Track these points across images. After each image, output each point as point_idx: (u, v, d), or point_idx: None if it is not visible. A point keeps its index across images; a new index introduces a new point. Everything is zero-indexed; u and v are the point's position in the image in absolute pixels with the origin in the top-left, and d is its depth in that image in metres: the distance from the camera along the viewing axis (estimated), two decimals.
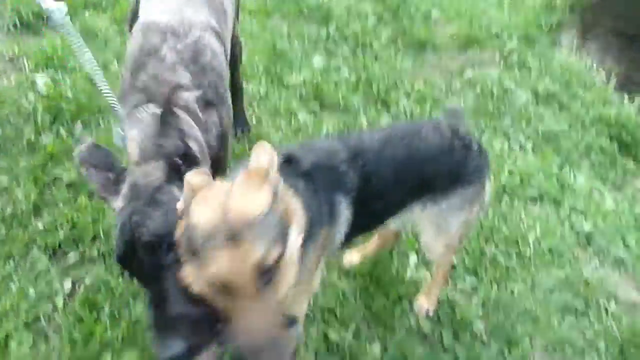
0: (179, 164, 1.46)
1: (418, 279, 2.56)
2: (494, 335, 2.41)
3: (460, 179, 1.88)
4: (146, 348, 1.97)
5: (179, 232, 1.24)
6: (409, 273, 2.57)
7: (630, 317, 2.66)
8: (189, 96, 1.65)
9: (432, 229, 2.00)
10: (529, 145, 3.77)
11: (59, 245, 2.28)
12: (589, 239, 3.11)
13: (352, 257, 2.50)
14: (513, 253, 2.84)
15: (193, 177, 1.24)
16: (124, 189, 1.44)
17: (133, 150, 1.49)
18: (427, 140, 1.81)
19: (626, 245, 3.21)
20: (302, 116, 3.27)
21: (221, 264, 1.15)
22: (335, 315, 2.28)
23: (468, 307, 2.49)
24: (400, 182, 1.71)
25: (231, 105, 1.95)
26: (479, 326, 2.42)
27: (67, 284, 2.15)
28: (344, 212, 1.62)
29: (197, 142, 1.60)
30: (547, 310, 2.58)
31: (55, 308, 2.07)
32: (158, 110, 1.53)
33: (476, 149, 1.94)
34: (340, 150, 1.65)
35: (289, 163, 1.49)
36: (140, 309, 2.09)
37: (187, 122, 1.60)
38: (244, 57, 3.64)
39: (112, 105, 1.62)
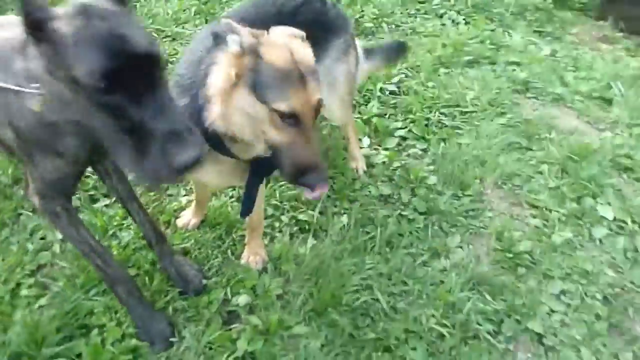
0: None
1: (369, 155, 2.80)
2: (446, 184, 2.67)
3: (328, 30, 2.17)
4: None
5: (243, 68, 1.52)
6: (363, 152, 2.82)
7: (569, 140, 2.92)
8: None
9: (324, 88, 2.25)
10: (461, 19, 3.94)
11: None
12: (526, 84, 3.35)
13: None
14: (456, 113, 3.08)
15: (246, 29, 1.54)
16: None
17: None
18: None
19: (564, 84, 3.44)
20: None
21: (298, 98, 1.49)
22: (301, 202, 2.54)
23: (420, 166, 2.74)
24: None
25: None
26: (433, 179, 2.68)
27: (59, 234, 2.39)
28: None
29: None
30: (493, 152, 2.83)
31: (54, 255, 2.33)
32: None
33: (329, 2, 2.25)
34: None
35: None
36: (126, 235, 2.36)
37: None
38: (174, 4, 3.82)
39: None
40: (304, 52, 1.58)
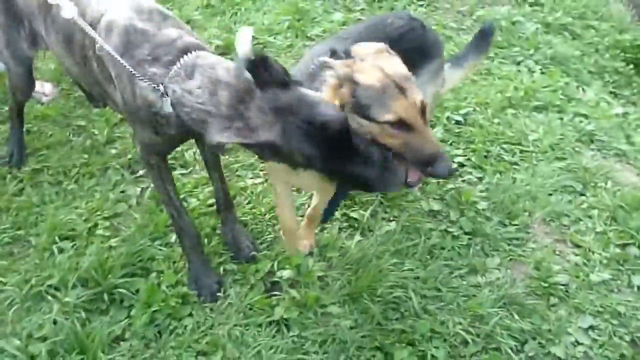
0: None
1: None
2: (495, 211, 2.78)
3: (425, 54, 2.35)
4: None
5: (344, 96, 1.72)
6: None
7: (624, 191, 2.97)
8: None
9: None
10: (537, 68, 4.06)
11: (129, 165, 2.83)
12: (591, 136, 3.41)
13: None
14: (516, 151, 3.20)
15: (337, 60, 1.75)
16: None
17: None
18: (394, 24, 2.33)
19: (630, 142, 3.48)
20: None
21: (400, 106, 1.67)
22: (355, 201, 2.73)
23: (473, 192, 2.87)
24: None
25: None
26: (483, 205, 2.80)
27: (137, 190, 2.69)
28: None
29: None
30: (546, 191, 2.92)
31: (130, 207, 2.62)
32: None
33: (429, 28, 2.47)
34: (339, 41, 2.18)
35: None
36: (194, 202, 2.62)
37: None
38: (270, 17, 4.17)
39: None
40: (393, 63, 1.76)
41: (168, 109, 1.76)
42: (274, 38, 3.98)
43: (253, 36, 3.88)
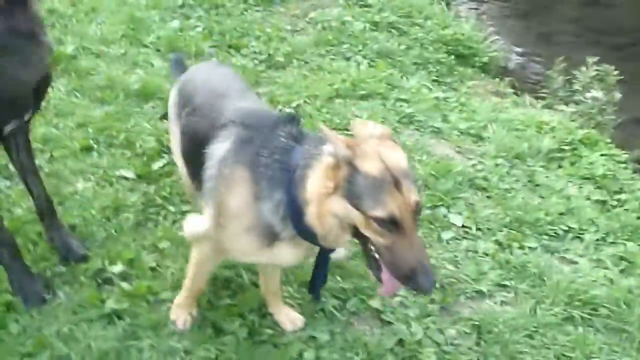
0: None
1: None
2: None
3: None
4: None
5: (339, 178, 1.56)
6: None
7: (436, 161, 3.34)
8: None
9: None
10: (365, 62, 4.42)
11: None
12: (410, 117, 3.79)
13: None
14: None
15: (341, 139, 1.57)
16: None
17: None
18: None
19: (445, 120, 3.90)
20: (158, 63, 3.81)
21: (395, 203, 1.51)
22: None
23: None
24: None
25: None
26: None
27: None
28: None
29: None
30: None
31: None
32: None
33: None
34: None
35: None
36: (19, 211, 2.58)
37: None
38: (105, 28, 4.16)
39: None
40: (395, 156, 1.60)
41: None
42: (108, 48, 3.99)
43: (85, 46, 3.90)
